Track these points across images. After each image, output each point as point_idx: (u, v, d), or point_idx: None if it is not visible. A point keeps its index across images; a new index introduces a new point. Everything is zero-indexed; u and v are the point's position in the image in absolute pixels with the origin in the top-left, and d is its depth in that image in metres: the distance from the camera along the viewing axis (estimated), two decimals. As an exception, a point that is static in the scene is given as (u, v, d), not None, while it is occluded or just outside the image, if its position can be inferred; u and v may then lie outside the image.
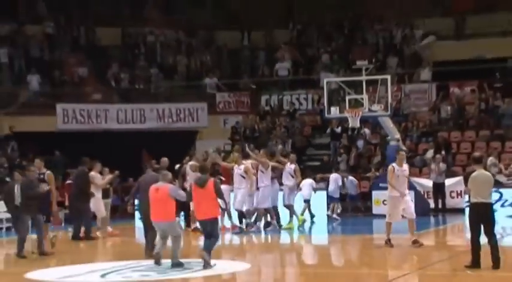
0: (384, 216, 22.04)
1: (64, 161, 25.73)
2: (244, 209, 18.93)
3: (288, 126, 28.57)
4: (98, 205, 18.75)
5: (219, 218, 14.38)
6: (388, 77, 22.49)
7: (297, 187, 20.16)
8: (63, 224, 23.39)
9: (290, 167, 19.82)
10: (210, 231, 13.06)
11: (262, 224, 19.36)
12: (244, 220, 19.05)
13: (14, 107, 27.37)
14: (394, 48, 31.39)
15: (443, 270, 13.15)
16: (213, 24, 34.60)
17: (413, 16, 32.29)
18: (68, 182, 20.89)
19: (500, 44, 29.37)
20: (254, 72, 32.81)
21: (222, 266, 13.65)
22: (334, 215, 21.98)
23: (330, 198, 22.33)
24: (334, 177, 22.47)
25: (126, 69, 31.30)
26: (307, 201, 21.14)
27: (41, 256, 15.09)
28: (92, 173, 18.68)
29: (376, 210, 22.74)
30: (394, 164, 15.31)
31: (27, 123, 26.53)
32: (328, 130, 27.40)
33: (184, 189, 16.91)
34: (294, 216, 19.85)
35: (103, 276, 12.79)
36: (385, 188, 22.69)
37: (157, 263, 13.31)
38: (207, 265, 12.84)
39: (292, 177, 19.76)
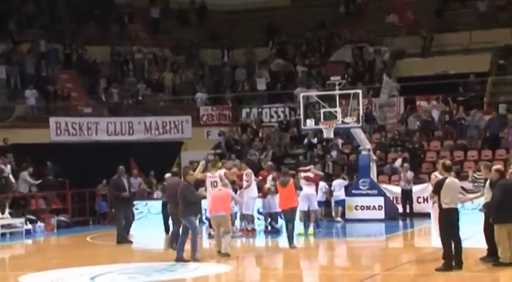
0: (356, 220, 22.23)
1: (56, 171, 25.58)
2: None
3: (267, 138, 28.54)
4: None
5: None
6: (360, 91, 22.59)
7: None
8: (55, 230, 23.26)
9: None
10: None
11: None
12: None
13: (9, 120, 27.21)
14: (364, 64, 31.54)
15: (411, 270, 13.14)
16: (197, 42, 34.67)
17: (382, 35, 32.51)
18: None
19: (462, 61, 29.61)
20: (235, 87, 32.88)
21: (205, 268, 13.58)
22: (338, 218, 22.18)
23: (335, 202, 22.46)
24: (338, 182, 22.52)
25: (116, 85, 31.26)
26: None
27: None
28: None
29: (349, 215, 22.75)
30: (436, 173, 13.71)
31: (22, 135, 26.38)
32: (305, 141, 27.42)
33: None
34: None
35: (92, 279, 12.67)
36: (358, 195, 22.95)
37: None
38: None
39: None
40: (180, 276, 12.83)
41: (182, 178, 15.42)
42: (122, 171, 18.86)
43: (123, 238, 18.09)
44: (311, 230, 18.71)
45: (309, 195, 18.89)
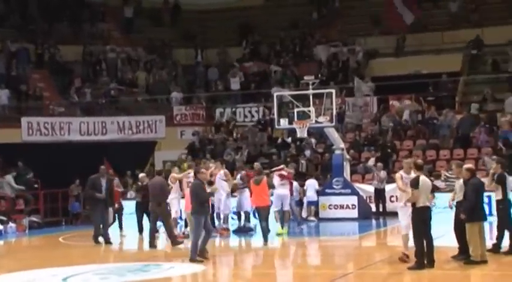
0: (330, 219, 22.31)
1: (27, 171, 25.38)
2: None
3: (242, 137, 28.55)
4: None
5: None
6: (333, 91, 22.66)
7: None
8: (27, 231, 23.07)
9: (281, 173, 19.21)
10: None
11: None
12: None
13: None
14: (338, 64, 31.65)
15: (384, 269, 13.22)
16: (170, 42, 34.58)
17: (356, 35, 32.65)
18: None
19: (434, 61, 29.85)
20: (208, 86, 32.85)
21: (179, 268, 13.56)
22: (311, 218, 22.20)
23: (308, 202, 22.47)
24: (311, 182, 22.51)
25: (89, 84, 31.08)
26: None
27: None
28: None
29: (322, 214, 22.84)
30: (401, 172, 13.32)
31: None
32: (279, 140, 27.47)
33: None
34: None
35: (65, 279, 12.58)
36: (331, 194, 23.03)
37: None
38: None
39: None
40: (154, 277, 12.78)
41: (193, 176, 15.58)
42: (102, 172, 18.48)
43: (98, 238, 17.92)
44: (285, 229, 18.73)
45: (282, 195, 18.88)
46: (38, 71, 30.89)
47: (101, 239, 17.93)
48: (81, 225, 22.91)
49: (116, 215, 20.45)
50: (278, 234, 18.04)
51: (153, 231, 17.11)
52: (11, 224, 22.84)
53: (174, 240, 16.86)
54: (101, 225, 18.05)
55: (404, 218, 12.87)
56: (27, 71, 30.51)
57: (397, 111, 27.72)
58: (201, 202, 13.92)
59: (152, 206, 17.00)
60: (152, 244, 16.93)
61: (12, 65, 30.05)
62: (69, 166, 24.50)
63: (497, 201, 13.81)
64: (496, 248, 13.68)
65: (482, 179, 13.52)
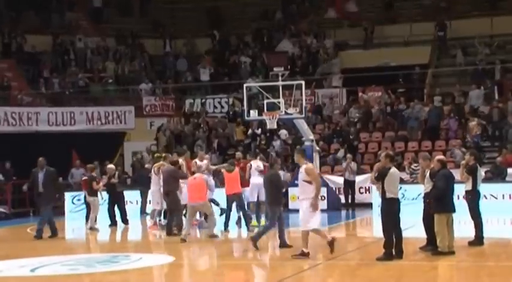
0: (297, 211, 22.30)
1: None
2: None
3: (211, 128, 28.48)
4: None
5: None
6: (303, 82, 22.65)
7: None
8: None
9: (258, 164, 18.79)
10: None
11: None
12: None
13: None
14: (308, 55, 31.69)
15: (353, 259, 13.28)
16: (138, 32, 34.34)
17: (325, 27, 32.71)
18: (84, 178, 20.06)
19: (402, 53, 30.03)
20: (178, 77, 32.70)
21: (148, 259, 13.50)
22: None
23: None
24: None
25: (57, 75, 30.76)
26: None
27: None
28: None
29: (292, 205, 22.87)
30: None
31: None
32: (250, 131, 27.45)
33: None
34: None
35: (33, 270, 12.47)
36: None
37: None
38: None
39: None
40: (123, 268, 12.71)
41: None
42: (41, 164, 17.74)
43: (41, 234, 17.38)
44: (263, 221, 18.47)
45: (258, 184, 18.52)
46: (5, 60, 30.49)
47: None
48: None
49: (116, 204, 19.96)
50: (253, 226, 17.87)
51: (170, 219, 17.07)
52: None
53: (170, 230, 16.85)
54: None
55: (301, 213, 12.95)
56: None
57: (365, 102, 27.79)
58: (278, 192, 13.99)
59: (163, 196, 16.99)
60: (170, 232, 16.87)
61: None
62: (36, 157, 24.20)
63: (467, 192, 13.97)
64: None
65: (452, 171, 13.64)
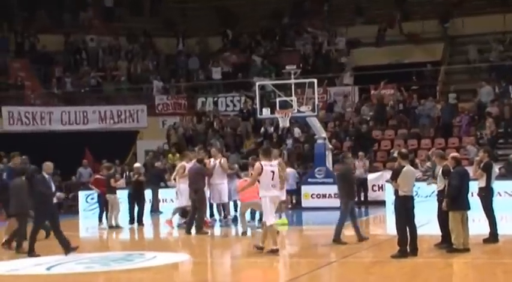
0: (312, 209, 22.38)
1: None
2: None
3: (223, 127, 28.55)
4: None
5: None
6: (315, 80, 22.68)
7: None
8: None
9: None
10: None
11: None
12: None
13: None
14: (320, 54, 31.67)
15: (367, 257, 13.29)
16: (150, 31, 34.45)
17: (337, 25, 32.67)
18: (97, 176, 20.05)
19: (415, 51, 29.96)
20: (190, 76, 32.78)
21: (162, 258, 13.56)
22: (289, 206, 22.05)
23: (287, 191, 22.21)
24: (290, 171, 22.37)
25: (69, 74, 30.90)
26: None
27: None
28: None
29: (305, 203, 22.92)
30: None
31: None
32: (262, 129, 27.50)
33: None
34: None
35: (48, 269, 12.54)
36: (314, 183, 23.10)
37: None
38: None
39: None
40: (137, 266, 12.76)
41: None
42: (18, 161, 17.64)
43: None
44: (285, 219, 18.40)
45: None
46: (18, 60, 30.66)
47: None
48: (65, 214, 22.75)
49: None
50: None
51: (192, 217, 17.02)
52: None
53: (200, 228, 16.84)
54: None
55: (263, 208, 13.20)
56: (7, 60, 30.28)
57: (377, 99, 27.69)
58: (350, 186, 14.23)
59: (190, 194, 16.97)
60: (188, 230, 16.90)
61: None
62: (50, 156, 24.29)
63: (480, 189, 13.94)
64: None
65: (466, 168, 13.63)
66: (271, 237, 13.14)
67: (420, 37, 30.34)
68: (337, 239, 14.18)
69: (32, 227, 13.93)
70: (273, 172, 13.20)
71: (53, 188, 14.20)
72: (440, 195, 13.03)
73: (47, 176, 13.98)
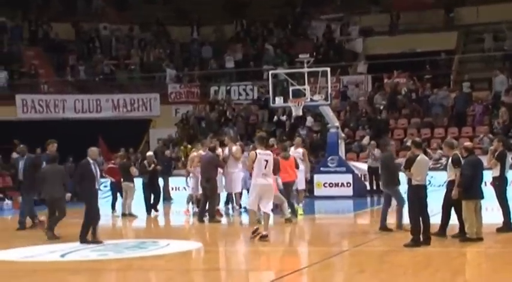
0: (325, 197, 22.38)
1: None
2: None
3: (236, 115, 28.56)
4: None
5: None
6: (328, 69, 22.62)
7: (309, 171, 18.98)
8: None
9: (298, 151, 18.31)
10: None
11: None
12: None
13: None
14: (333, 42, 31.59)
15: (380, 246, 13.30)
16: (163, 19, 34.44)
17: (351, 13, 32.54)
18: (111, 165, 20.07)
19: (429, 39, 29.81)
20: (203, 64, 32.78)
21: (175, 245, 13.62)
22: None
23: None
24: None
25: (83, 62, 30.98)
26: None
27: None
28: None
29: (317, 192, 22.93)
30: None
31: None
32: (275, 118, 27.50)
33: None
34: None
35: (63, 256, 12.64)
36: (326, 172, 23.10)
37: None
38: None
39: (302, 160, 18.12)
40: (151, 253, 12.83)
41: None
42: (21, 151, 17.52)
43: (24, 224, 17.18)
44: (301, 208, 18.14)
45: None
46: (32, 48, 30.77)
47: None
48: (76, 203, 22.85)
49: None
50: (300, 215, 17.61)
51: (203, 206, 17.10)
52: (7, 201, 22.84)
53: (213, 217, 16.91)
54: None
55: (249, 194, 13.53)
56: (21, 49, 30.40)
57: (391, 86, 27.58)
58: (391, 174, 14.08)
59: (202, 182, 17.03)
60: (201, 219, 16.99)
61: (4, 42, 29.92)
62: (63, 144, 24.42)
63: (494, 178, 13.90)
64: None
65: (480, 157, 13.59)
66: (251, 220, 13.36)
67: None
68: (382, 227, 14.19)
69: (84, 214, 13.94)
70: (266, 161, 13.28)
71: (98, 174, 14.10)
72: (450, 184, 13.00)
73: (91, 161, 13.94)
